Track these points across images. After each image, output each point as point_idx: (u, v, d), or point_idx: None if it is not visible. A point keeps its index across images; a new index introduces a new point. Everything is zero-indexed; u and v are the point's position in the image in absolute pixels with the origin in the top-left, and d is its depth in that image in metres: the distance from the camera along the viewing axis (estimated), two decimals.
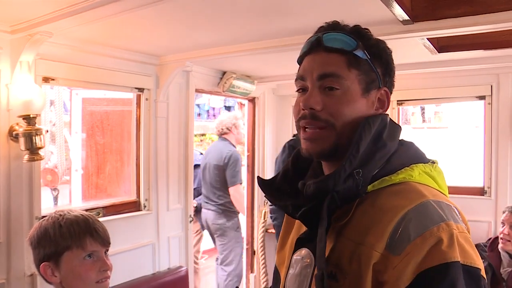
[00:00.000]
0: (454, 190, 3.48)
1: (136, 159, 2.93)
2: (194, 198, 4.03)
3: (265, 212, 3.93)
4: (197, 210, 4.30)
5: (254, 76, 3.65)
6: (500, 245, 2.88)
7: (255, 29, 2.26)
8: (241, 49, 2.57)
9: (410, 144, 1.01)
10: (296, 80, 0.98)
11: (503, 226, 2.88)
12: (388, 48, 1.00)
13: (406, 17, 1.91)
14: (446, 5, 1.95)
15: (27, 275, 2.17)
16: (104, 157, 3.31)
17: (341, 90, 0.91)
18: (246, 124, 4.14)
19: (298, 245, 0.98)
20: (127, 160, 3.06)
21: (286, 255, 1.07)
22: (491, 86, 3.37)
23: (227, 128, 4.17)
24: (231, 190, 4.05)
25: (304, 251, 0.96)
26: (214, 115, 8.77)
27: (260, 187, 1.07)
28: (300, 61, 1.00)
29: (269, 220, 3.84)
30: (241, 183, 4.14)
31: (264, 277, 3.92)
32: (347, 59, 0.92)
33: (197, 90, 3.33)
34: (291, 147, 3.19)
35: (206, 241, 4.85)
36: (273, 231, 3.72)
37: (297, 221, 1.06)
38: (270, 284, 1.17)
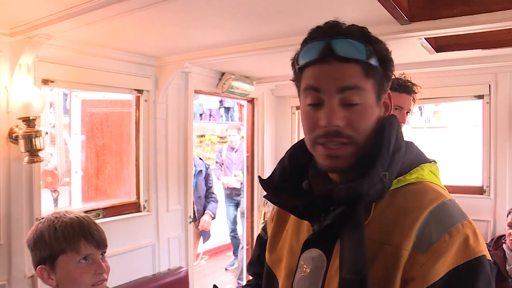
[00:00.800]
0: (453, 189, 3.50)
1: (136, 160, 2.93)
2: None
3: (264, 212, 3.94)
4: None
5: (253, 77, 3.65)
6: (505, 245, 2.93)
7: (253, 30, 2.27)
8: (239, 50, 2.57)
9: (412, 144, 1.01)
10: (306, 89, 0.91)
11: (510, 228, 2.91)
12: (389, 50, 0.97)
13: (404, 17, 1.91)
14: (443, 4, 1.96)
15: (28, 276, 2.17)
16: (104, 158, 3.31)
17: (361, 103, 0.88)
18: (245, 125, 4.14)
19: (306, 246, 0.96)
20: (127, 161, 3.06)
21: (285, 255, 1.04)
22: (489, 85, 3.37)
23: None
24: None
25: (315, 252, 0.94)
26: (211, 116, 8.77)
27: (263, 188, 1.04)
28: (303, 67, 0.92)
29: None
30: None
31: None
32: (363, 69, 0.87)
33: (196, 91, 3.34)
34: None
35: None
36: None
37: (293, 220, 1.05)
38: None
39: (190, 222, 3.21)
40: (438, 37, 2.50)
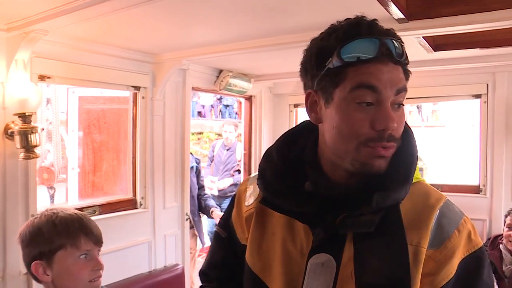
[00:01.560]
0: (449, 188, 3.54)
1: (132, 157, 2.93)
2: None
3: None
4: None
5: (250, 75, 3.65)
6: (502, 245, 2.93)
7: (251, 27, 2.26)
8: (237, 48, 2.57)
9: None
10: (359, 87, 0.84)
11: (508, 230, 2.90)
12: None
13: (401, 16, 1.91)
14: (441, 3, 1.96)
15: (23, 273, 2.16)
16: (101, 155, 3.31)
17: (402, 106, 0.88)
18: (243, 123, 4.14)
19: (313, 252, 0.92)
20: (124, 158, 3.06)
21: (277, 261, 0.97)
22: (487, 84, 3.38)
23: None
24: None
25: (324, 257, 0.90)
26: (212, 110, 8.74)
27: (265, 193, 0.98)
28: (351, 63, 0.84)
29: None
30: None
31: None
32: (404, 72, 0.87)
33: (193, 88, 3.33)
34: None
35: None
36: None
37: (280, 222, 0.99)
38: None
39: (187, 219, 3.20)
40: (436, 36, 2.50)
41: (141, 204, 2.91)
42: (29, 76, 2.13)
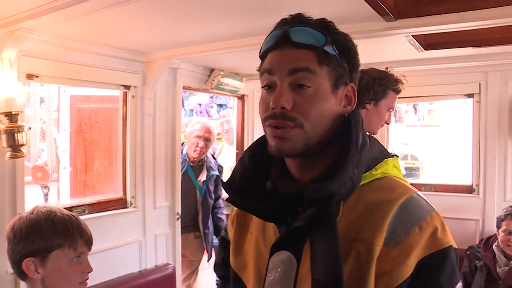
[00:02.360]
0: (442, 188, 3.54)
1: (123, 156, 2.92)
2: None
3: None
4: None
5: (242, 74, 3.64)
6: (495, 246, 2.91)
7: (241, 25, 2.25)
8: (227, 46, 2.55)
9: (374, 139, 1.01)
10: (261, 74, 0.94)
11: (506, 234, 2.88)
12: (354, 43, 0.97)
13: (389, 14, 1.90)
14: (429, 2, 1.95)
15: (10, 273, 2.15)
16: (92, 154, 3.29)
17: (312, 88, 0.88)
18: (236, 122, 4.13)
19: (275, 249, 0.93)
20: (115, 157, 3.04)
21: (251, 259, 1.01)
22: (480, 84, 3.38)
23: None
24: None
25: (284, 255, 0.92)
26: (205, 111, 8.70)
27: (226, 191, 1.02)
28: (263, 56, 0.94)
29: None
30: None
31: None
32: (317, 55, 0.88)
33: (184, 88, 3.32)
34: None
35: None
36: None
37: (257, 222, 1.02)
38: None
39: (178, 219, 3.18)
40: (427, 34, 2.49)
41: (131, 204, 2.90)
42: (16, 75, 2.12)
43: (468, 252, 3.04)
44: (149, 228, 2.98)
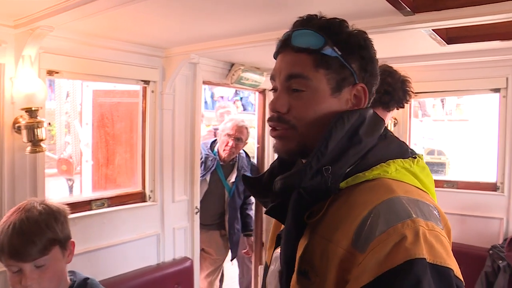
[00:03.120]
0: (465, 185, 3.46)
1: (142, 150, 2.95)
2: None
3: None
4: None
5: (263, 68, 3.62)
6: None
7: (262, 20, 2.22)
8: (247, 41, 2.53)
9: (392, 139, 0.98)
10: (270, 79, 1.00)
11: None
12: (365, 40, 0.95)
13: (407, 8, 1.86)
14: None
15: None
16: (114, 148, 3.35)
17: (307, 91, 0.92)
18: (257, 116, 4.12)
19: (278, 242, 0.98)
20: (136, 151, 3.09)
21: (269, 248, 1.10)
22: (507, 78, 3.27)
23: None
24: None
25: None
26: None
27: (245, 185, 1.08)
28: (275, 58, 1.00)
29: None
30: None
31: None
32: (313, 59, 0.91)
33: (204, 82, 3.32)
34: None
35: None
36: None
37: None
38: None
39: (196, 213, 3.21)
40: (449, 28, 2.42)
41: (150, 197, 2.94)
42: (36, 71, 2.17)
43: (491, 251, 2.96)
44: (167, 221, 3.01)
